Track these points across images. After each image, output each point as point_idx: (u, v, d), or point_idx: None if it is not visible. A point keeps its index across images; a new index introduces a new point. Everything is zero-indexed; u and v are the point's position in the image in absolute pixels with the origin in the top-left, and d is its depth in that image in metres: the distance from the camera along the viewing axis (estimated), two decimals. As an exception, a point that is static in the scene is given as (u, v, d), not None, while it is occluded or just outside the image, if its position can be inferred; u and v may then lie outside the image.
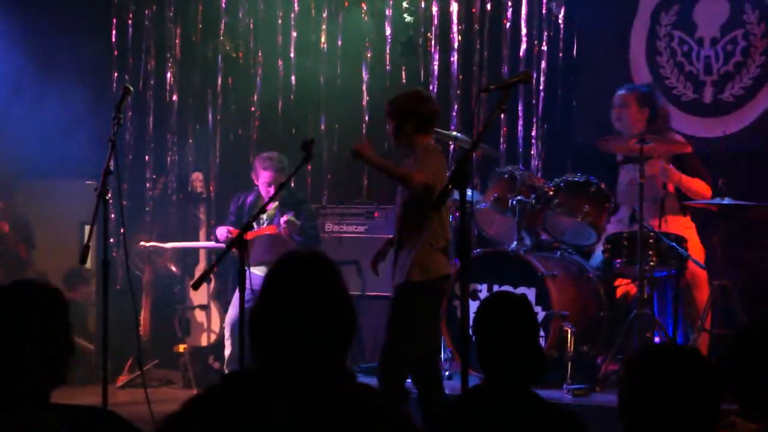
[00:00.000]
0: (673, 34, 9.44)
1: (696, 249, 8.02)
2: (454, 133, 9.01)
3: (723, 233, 7.89)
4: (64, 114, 9.63)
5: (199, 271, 9.24)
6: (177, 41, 10.59)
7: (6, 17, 9.70)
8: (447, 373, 8.17)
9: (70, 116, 9.62)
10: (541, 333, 7.76)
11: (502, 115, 9.54)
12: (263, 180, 8.75)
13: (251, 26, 10.61)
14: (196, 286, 7.35)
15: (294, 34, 10.53)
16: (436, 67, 10.14)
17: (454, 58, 10.08)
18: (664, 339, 7.56)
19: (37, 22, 9.86)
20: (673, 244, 7.65)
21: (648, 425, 3.17)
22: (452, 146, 9.61)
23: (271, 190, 8.65)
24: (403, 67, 10.28)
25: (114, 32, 10.47)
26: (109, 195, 6.74)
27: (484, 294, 8.01)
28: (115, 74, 10.37)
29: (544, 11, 9.81)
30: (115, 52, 10.43)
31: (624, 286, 8.16)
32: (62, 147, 9.40)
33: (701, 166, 8.19)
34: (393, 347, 6.55)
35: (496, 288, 8.00)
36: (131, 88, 7.26)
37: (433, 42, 10.18)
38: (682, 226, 8.14)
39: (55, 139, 9.49)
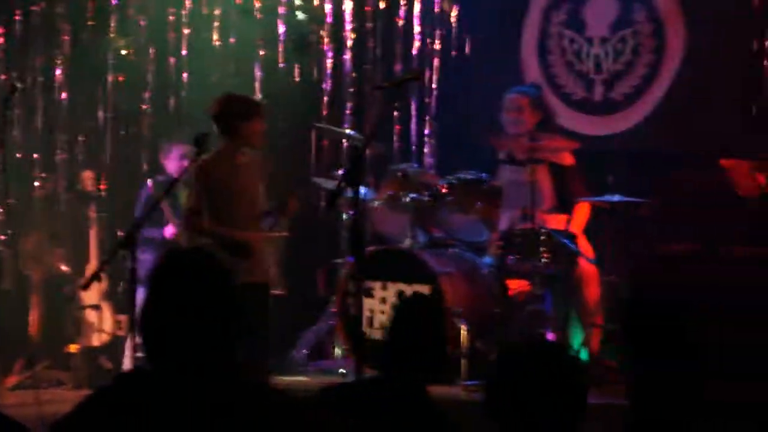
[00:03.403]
0: (564, 33, 9.55)
1: (584, 245, 8.11)
2: (347, 131, 9.02)
3: (612, 230, 8.00)
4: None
5: (89, 271, 9.12)
6: (66, 38, 10.43)
7: None
8: (342, 370, 8.18)
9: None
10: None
11: (395, 113, 9.60)
12: (176, 154, 8.73)
13: (142, 23, 10.49)
14: (85, 287, 7.27)
15: (186, 31, 10.45)
16: (329, 65, 10.14)
17: (347, 56, 10.08)
18: (557, 335, 7.65)
19: None
20: (565, 240, 7.74)
21: (516, 418, 3.23)
22: (345, 144, 9.63)
23: (185, 162, 8.61)
24: (296, 66, 10.26)
25: (1, 28, 10.28)
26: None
27: (378, 292, 8.02)
28: (2, 70, 10.18)
29: (436, 9, 9.86)
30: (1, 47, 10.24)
31: (517, 283, 8.22)
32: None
33: (581, 181, 8.26)
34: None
35: (390, 285, 8.00)
36: (19, 85, 7.17)
37: (326, 40, 10.18)
38: (561, 222, 8.21)
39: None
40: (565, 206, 8.26)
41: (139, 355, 8.11)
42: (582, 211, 8.22)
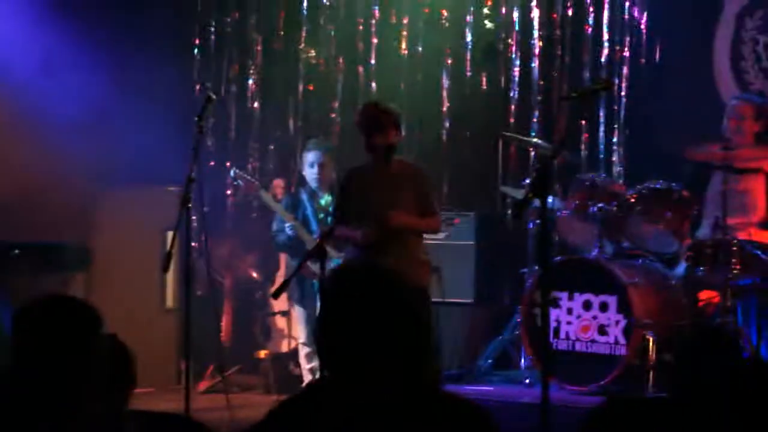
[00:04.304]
0: (758, 39, 9.34)
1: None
2: (535, 140, 8.98)
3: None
4: (146, 121, 9.71)
5: (279, 277, 9.26)
6: (259, 48, 10.65)
7: (91, 24, 9.81)
8: (528, 380, 8.15)
9: (152, 124, 9.70)
10: (622, 341, 7.71)
11: (584, 122, 9.51)
12: (307, 161, 8.73)
13: (332, 33, 10.63)
14: (276, 295, 7.41)
15: (374, 40, 10.55)
16: (516, 74, 10.10)
17: (535, 64, 10.04)
18: (747, 350, 7.48)
19: (119, 31, 9.95)
20: (758, 252, 7.56)
21: None
22: (533, 153, 9.57)
23: (315, 171, 8.64)
24: (483, 74, 10.25)
25: (196, 40, 10.55)
26: (191, 201, 6.81)
27: (564, 302, 7.98)
28: (197, 80, 10.44)
29: (625, 17, 9.74)
30: (197, 58, 10.50)
31: (707, 294, 8.06)
32: (144, 154, 9.47)
33: None
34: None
35: (576, 296, 7.95)
36: (214, 96, 7.34)
37: (513, 48, 10.15)
38: None
39: (137, 146, 9.57)
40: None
41: (314, 364, 8.27)
42: None
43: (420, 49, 10.48)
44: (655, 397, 4.27)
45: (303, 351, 8.57)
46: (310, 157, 8.72)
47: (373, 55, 10.56)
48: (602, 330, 7.84)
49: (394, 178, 7.03)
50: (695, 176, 8.35)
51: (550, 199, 6.29)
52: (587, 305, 7.92)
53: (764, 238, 7.94)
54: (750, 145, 8.09)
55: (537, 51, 10.05)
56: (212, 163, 10.26)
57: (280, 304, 9.22)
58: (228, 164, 10.27)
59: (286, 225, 8.53)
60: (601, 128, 9.71)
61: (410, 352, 3.05)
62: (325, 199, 8.62)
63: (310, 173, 8.70)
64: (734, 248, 7.56)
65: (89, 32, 9.70)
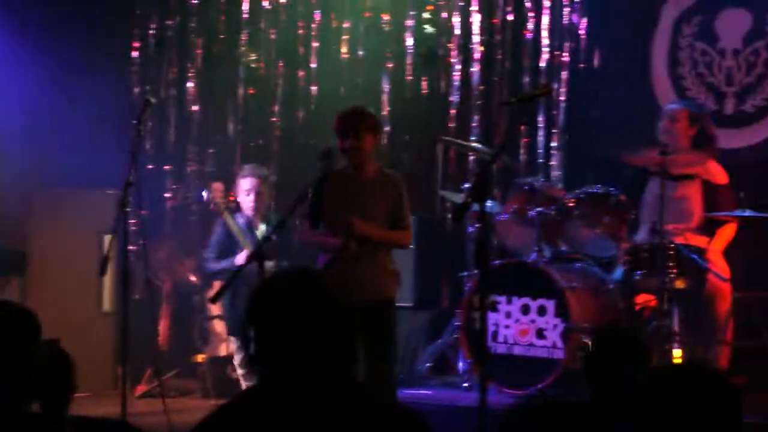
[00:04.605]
0: (695, 45, 9.42)
1: (719, 263, 7.96)
2: (475, 144, 9.01)
3: (746, 245, 7.85)
4: (84, 124, 9.65)
5: (217, 282, 9.21)
6: (199, 52, 10.59)
7: (27, 24, 9.74)
8: (466, 384, 8.17)
9: (89, 127, 9.64)
10: (560, 345, 7.75)
11: (523, 127, 9.55)
12: (243, 187, 8.76)
13: (272, 37, 10.60)
14: (214, 300, 7.38)
15: (315, 44, 10.53)
16: (456, 78, 10.13)
17: (475, 68, 10.06)
18: (684, 352, 7.54)
19: (56, 32, 9.87)
20: (693, 256, 7.63)
21: None
22: (472, 157, 9.61)
23: (251, 199, 8.65)
24: (424, 79, 10.27)
25: (135, 43, 10.47)
26: (129, 205, 6.77)
27: (503, 306, 8.01)
28: (136, 84, 10.37)
29: (565, 21, 9.79)
30: (136, 62, 10.43)
31: (643, 298, 8.11)
32: (82, 157, 9.42)
33: (731, 201, 8.06)
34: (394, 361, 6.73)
35: (515, 300, 7.98)
36: (152, 100, 7.31)
37: (453, 53, 10.17)
38: (704, 242, 8.07)
39: (74, 149, 9.51)
40: (714, 225, 8.11)
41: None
42: (727, 231, 8.06)
43: (360, 53, 10.47)
44: (571, 400, 4.28)
45: (239, 356, 8.55)
46: (245, 183, 8.74)
47: (313, 59, 10.54)
48: (540, 334, 7.88)
49: (367, 185, 6.82)
50: (633, 181, 8.40)
51: (489, 203, 6.32)
52: (525, 309, 7.96)
53: (699, 242, 8.01)
54: (686, 150, 8.14)
55: (477, 56, 10.08)
56: (150, 167, 10.18)
57: (218, 307, 9.19)
58: (167, 167, 10.26)
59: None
60: (540, 133, 9.75)
61: (343, 356, 3.06)
62: (260, 230, 8.62)
63: (247, 201, 8.70)
64: (671, 252, 7.62)
65: (25, 32, 9.63)
